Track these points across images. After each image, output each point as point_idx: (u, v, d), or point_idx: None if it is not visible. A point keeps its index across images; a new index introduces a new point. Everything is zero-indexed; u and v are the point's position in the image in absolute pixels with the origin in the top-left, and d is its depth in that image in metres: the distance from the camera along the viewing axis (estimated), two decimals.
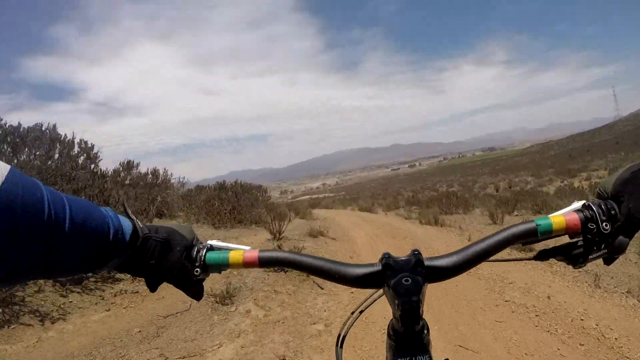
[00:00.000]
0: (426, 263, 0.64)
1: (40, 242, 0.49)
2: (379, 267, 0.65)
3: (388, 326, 0.64)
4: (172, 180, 13.24)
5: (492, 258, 0.67)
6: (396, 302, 0.57)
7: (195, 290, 0.72)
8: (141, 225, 0.67)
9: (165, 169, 12.48)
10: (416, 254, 0.64)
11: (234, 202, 11.33)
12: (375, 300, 0.78)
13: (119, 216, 0.65)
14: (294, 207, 20.65)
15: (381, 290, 0.67)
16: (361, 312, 0.80)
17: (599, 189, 0.69)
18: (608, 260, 0.66)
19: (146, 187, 10.61)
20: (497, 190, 24.49)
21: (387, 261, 0.63)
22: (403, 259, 0.64)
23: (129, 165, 10.78)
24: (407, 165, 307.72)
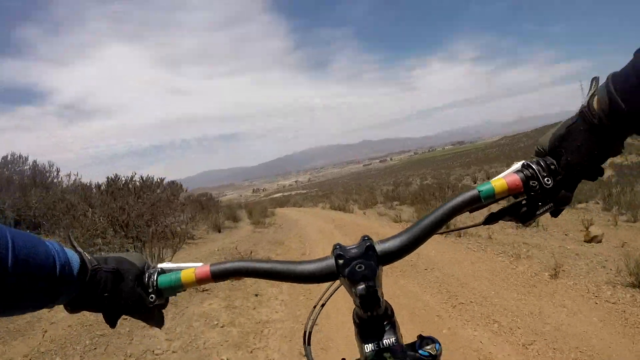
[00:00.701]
0: (377, 247, 0.64)
1: None
2: (332, 260, 0.64)
3: (352, 314, 0.65)
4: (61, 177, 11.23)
5: (441, 230, 0.68)
6: (353, 290, 0.59)
7: (155, 318, 0.69)
8: (89, 257, 0.63)
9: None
10: (366, 240, 0.65)
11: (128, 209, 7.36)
12: (334, 292, 0.78)
13: (65, 249, 0.61)
14: (251, 207, 19.09)
15: (338, 282, 0.68)
16: (322, 305, 0.80)
17: (537, 147, 0.71)
18: (555, 213, 0.68)
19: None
20: (474, 182, 23.88)
21: (339, 252, 0.64)
22: (354, 246, 0.64)
23: None
24: (378, 161, 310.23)
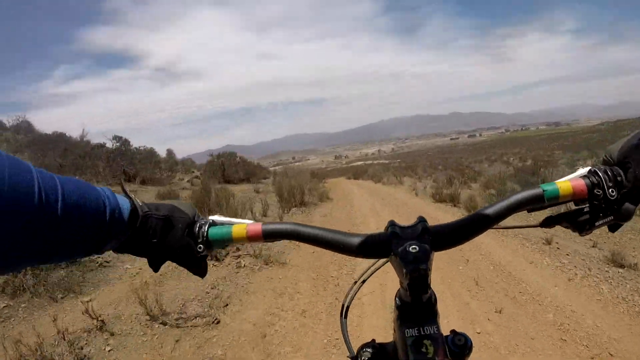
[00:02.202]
0: (433, 230, 0.63)
1: (31, 226, 0.47)
2: (385, 236, 0.63)
3: (395, 297, 0.64)
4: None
5: (498, 225, 0.66)
6: (404, 270, 0.57)
7: (199, 267, 0.70)
8: (140, 204, 0.64)
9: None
10: (422, 221, 0.63)
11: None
12: (377, 269, 0.78)
13: (117, 195, 0.62)
14: (321, 176, 19.66)
15: (383, 259, 0.69)
16: (364, 281, 0.80)
17: (605, 155, 0.67)
18: (613, 227, 0.66)
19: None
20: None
21: (394, 229, 0.63)
22: (409, 226, 0.63)
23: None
24: (466, 135, 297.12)
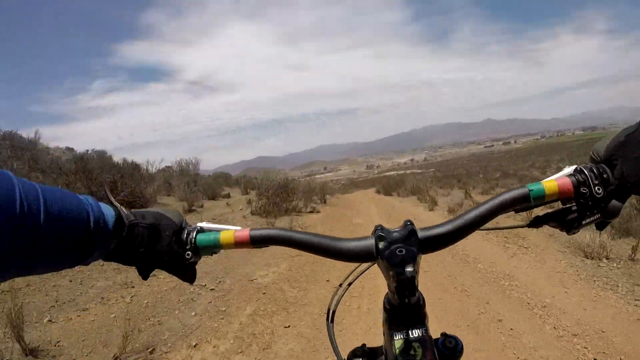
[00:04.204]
0: (420, 234, 0.63)
1: (13, 237, 0.46)
2: (372, 240, 0.63)
3: (384, 300, 0.64)
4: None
5: (485, 226, 0.66)
6: (391, 273, 0.57)
7: (188, 274, 0.71)
8: (126, 212, 0.64)
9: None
10: (409, 224, 0.63)
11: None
12: (362, 273, 0.79)
13: (100, 204, 0.62)
14: (335, 191, 18.30)
15: (369, 262, 0.68)
16: (349, 285, 0.80)
17: (592, 153, 0.67)
18: (601, 225, 0.65)
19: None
20: None
21: (380, 233, 0.62)
22: (396, 230, 0.63)
23: None
24: (501, 143, 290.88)
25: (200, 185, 13.58)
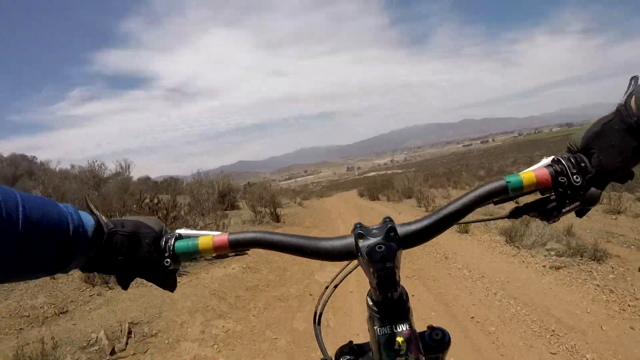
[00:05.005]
0: (399, 229, 0.63)
1: None
2: (352, 238, 0.64)
3: (367, 297, 0.65)
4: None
5: (465, 219, 0.67)
6: (371, 270, 0.57)
7: (168, 282, 0.70)
8: (105, 220, 0.64)
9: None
10: (388, 221, 0.63)
11: None
12: (349, 273, 0.79)
13: (80, 212, 0.61)
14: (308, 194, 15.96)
15: (355, 262, 0.69)
16: (335, 286, 0.80)
17: (569, 143, 0.69)
18: (580, 212, 0.67)
19: None
20: None
21: (360, 231, 0.63)
22: (375, 227, 0.64)
23: None
24: (479, 142, 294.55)
25: (103, 195, 8.96)
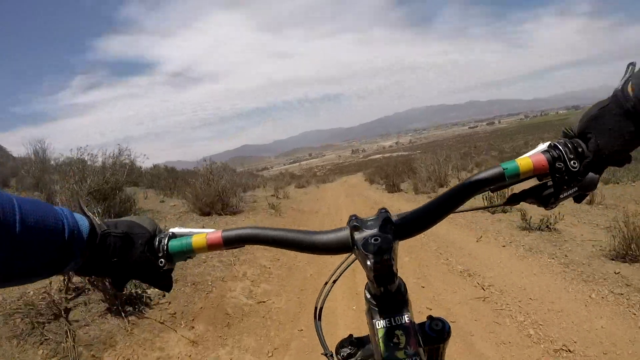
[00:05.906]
0: (394, 220, 0.63)
1: None
2: (347, 231, 0.63)
3: (364, 290, 0.64)
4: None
5: (462, 207, 0.66)
6: (367, 262, 0.56)
7: (163, 282, 0.70)
8: (99, 222, 0.64)
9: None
10: (383, 212, 0.63)
11: None
12: (347, 267, 0.78)
13: (75, 214, 0.62)
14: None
15: (353, 256, 0.67)
16: (334, 281, 0.80)
17: (565, 128, 0.68)
18: (579, 198, 0.66)
19: None
20: None
21: (355, 223, 0.62)
22: (371, 218, 0.63)
23: None
24: (485, 123, 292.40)
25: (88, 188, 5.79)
